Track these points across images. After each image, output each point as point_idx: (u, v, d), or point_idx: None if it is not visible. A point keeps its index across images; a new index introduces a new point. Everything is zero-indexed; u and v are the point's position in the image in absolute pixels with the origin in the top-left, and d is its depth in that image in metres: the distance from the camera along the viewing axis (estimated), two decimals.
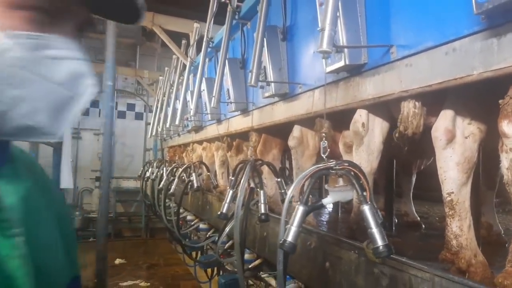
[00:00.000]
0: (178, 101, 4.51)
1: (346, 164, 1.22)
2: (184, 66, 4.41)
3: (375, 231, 1.07)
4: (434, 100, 1.31)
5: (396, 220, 2.49)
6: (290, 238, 1.13)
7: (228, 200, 1.86)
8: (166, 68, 5.57)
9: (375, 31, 1.38)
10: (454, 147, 1.27)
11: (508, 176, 1.01)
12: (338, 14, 1.30)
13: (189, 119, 3.87)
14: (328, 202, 1.21)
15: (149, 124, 7.62)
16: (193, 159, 4.24)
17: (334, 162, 1.21)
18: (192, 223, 4.15)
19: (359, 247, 1.44)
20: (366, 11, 1.40)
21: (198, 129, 4.00)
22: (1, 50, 0.50)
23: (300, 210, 1.17)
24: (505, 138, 1.00)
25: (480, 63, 0.99)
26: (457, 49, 1.06)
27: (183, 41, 4.31)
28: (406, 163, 2.70)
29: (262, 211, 1.80)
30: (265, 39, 1.85)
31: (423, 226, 2.52)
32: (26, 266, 0.56)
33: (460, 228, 1.29)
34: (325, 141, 1.29)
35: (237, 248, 1.81)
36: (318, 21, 1.50)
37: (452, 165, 1.27)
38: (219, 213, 1.89)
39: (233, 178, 1.95)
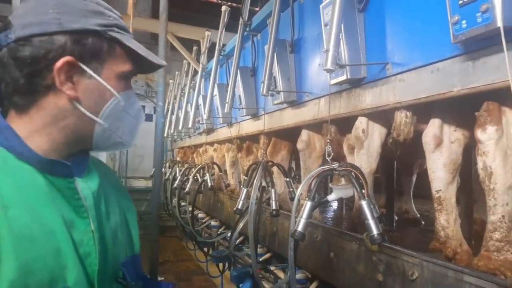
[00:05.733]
0: (189, 104, 4.73)
1: (347, 165, 1.43)
2: (195, 70, 4.63)
3: (371, 222, 1.27)
4: (424, 109, 1.50)
5: (397, 217, 2.68)
6: (299, 228, 1.34)
7: (242, 198, 2.07)
8: (176, 72, 5.79)
9: (374, 49, 1.58)
10: (441, 151, 1.46)
11: (482, 175, 1.21)
12: (341, 35, 1.50)
13: (201, 122, 4.09)
14: (332, 198, 1.42)
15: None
16: (204, 159, 4.46)
17: (337, 164, 1.42)
18: (204, 220, 4.37)
19: (360, 238, 1.63)
20: (365, 32, 1.60)
21: (209, 131, 4.21)
22: (118, 103, 0.88)
23: (308, 205, 1.37)
24: (480, 144, 1.20)
25: (458, 81, 1.19)
26: (440, 69, 1.26)
27: (194, 47, 4.53)
28: (407, 163, 2.88)
29: (274, 207, 2.01)
30: (275, 53, 2.05)
31: (423, 222, 2.69)
32: (96, 238, 0.84)
33: (447, 221, 1.48)
34: (330, 146, 1.49)
35: (251, 240, 2.02)
36: (323, 40, 1.71)
37: (440, 166, 1.46)
38: (235, 208, 2.10)
39: (246, 178, 2.16)
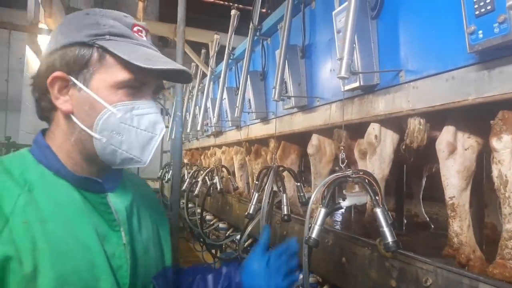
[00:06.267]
0: (198, 107, 4.75)
1: (361, 172, 1.43)
2: (203, 73, 4.66)
3: (385, 229, 1.28)
4: (437, 116, 1.51)
5: (406, 221, 2.68)
6: (314, 235, 1.35)
7: (254, 202, 2.09)
8: None
9: (387, 56, 1.59)
10: (455, 158, 1.47)
11: (497, 184, 1.21)
12: (354, 43, 1.50)
13: (209, 125, 4.11)
14: (346, 205, 1.42)
15: (167, 127, 7.85)
16: (213, 162, 4.48)
17: (351, 171, 1.42)
18: (212, 222, 4.39)
19: (372, 244, 1.64)
20: (378, 39, 1.61)
21: (218, 134, 4.24)
22: (111, 115, 0.82)
23: (322, 211, 1.38)
24: (495, 152, 1.20)
25: (474, 90, 1.20)
26: (455, 77, 1.27)
27: (203, 51, 4.55)
28: (417, 167, 2.88)
29: (285, 212, 2.02)
30: (286, 60, 2.06)
31: (432, 226, 2.69)
32: (128, 250, 0.86)
33: (460, 228, 1.48)
34: (343, 153, 1.50)
35: None
36: (336, 46, 1.72)
37: (454, 173, 1.47)
38: (246, 213, 2.11)
39: (257, 182, 2.17)
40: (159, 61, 0.83)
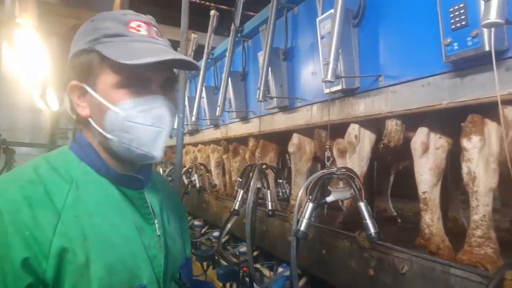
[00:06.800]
0: None
1: (344, 170, 1.55)
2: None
3: (368, 221, 1.40)
4: (412, 119, 1.64)
5: (375, 215, 2.84)
6: (302, 227, 1.45)
7: (239, 199, 2.16)
8: None
9: (367, 62, 1.71)
10: (428, 156, 1.61)
11: (466, 179, 1.36)
12: (339, 50, 1.61)
13: (185, 123, 4.13)
14: (331, 200, 1.53)
15: None
16: (188, 160, 4.50)
17: (335, 168, 1.53)
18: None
19: (352, 236, 1.76)
20: (360, 46, 1.73)
21: (193, 132, 4.26)
22: (115, 114, 0.83)
23: (309, 206, 1.48)
24: (465, 151, 1.35)
25: (447, 96, 1.34)
26: (431, 83, 1.40)
27: (178, 49, 4.55)
28: (386, 165, 3.05)
29: (270, 207, 2.11)
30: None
31: (399, 220, 2.87)
32: (162, 241, 0.93)
33: (431, 220, 1.63)
34: (329, 152, 1.61)
35: (248, 240, 2.11)
36: (320, 51, 1.82)
37: (426, 170, 1.61)
38: (231, 209, 2.19)
39: (241, 180, 2.25)
40: (149, 55, 0.79)
